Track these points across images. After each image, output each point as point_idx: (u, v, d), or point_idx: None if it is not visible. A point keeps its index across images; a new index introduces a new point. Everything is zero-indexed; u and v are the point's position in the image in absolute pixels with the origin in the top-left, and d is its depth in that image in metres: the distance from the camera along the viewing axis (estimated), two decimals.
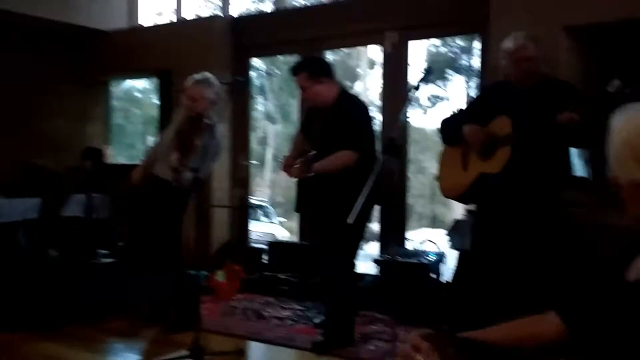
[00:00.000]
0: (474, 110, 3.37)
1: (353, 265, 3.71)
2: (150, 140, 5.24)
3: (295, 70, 3.72)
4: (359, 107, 3.73)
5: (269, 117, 14.88)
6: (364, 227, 3.66)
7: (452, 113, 3.51)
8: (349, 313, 3.73)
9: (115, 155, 7.05)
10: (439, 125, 3.57)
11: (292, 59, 11.42)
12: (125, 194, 4.93)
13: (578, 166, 3.76)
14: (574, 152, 3.65)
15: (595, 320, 1.26)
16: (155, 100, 9.28)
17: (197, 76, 3.93)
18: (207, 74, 3.98)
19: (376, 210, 4.28)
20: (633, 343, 1.10)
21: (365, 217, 3.45)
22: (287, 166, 3.76)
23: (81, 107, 6.67)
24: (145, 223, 4.09)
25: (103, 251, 4.96)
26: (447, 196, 3.49)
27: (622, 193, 1.18)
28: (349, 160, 3.48)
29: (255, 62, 11.55)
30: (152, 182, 4.05)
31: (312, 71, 3.66)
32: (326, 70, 3.70)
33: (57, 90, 6.38)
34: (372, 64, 14.25)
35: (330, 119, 3.63)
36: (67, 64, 6.43)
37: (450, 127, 3.36)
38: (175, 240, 3.96)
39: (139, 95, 15.32)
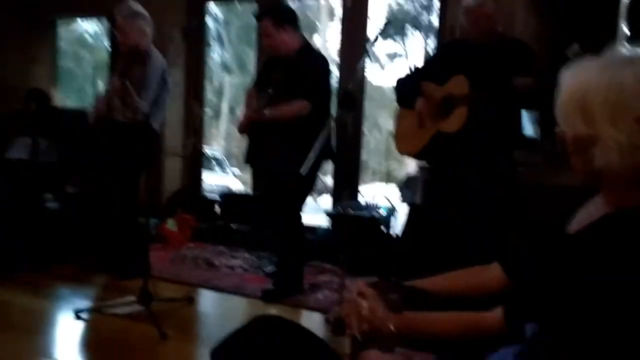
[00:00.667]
0: (430, 68, 3.37)
1: (301, 216, 3.74)
2: (101, 84, 5.06)
3: (260, 16, 3.65)
4: (321, 59, 3.69)
5: (226, 67, 14.60)
6: (314, 179, 3.67)
7: (407, 73, 3.48)
8: (298, 263, 3.79)
9: (65, 99, 6.80)
10: (395, 84, 3.55)
11: (250, 7, 11.14)
12: (76, 137, 4.80)
13: (528, 127, 3.84)
14: (524, 113, 3.73)
15: (535, 270, 1.30)
16: (107, 45, 8.96)
17: (124, 10, 3.83)
18: (132, 4, 3.86)
19: (330, 164, 4.30)
20: (571, 291, 1.14)
21: (315, 169, 3.45)
22: (243, 126, 3.72)
23: (26, 48, 6.36)
24: (103, 167, 3.97)
25: (50, 196, 4.84)
26: (403, 153, 3.52)
27: (567, 148, 1.21)
28: (302, 110, 3.46)
29: (212, 8, 11.24)
30: (108, 126, 3.94)
31: (277, 18, 3.59)
32: (291, 19, 3.64)
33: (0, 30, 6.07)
34: (331, 16, 14.06)
35: (291, 70, 3.58)
36: (10, 1, 6.10)
37: (406, 89, 3.36)
38: (132, 187, 3.86)
39: (90, 39, 14.76)
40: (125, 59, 3.76)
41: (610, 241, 1.13)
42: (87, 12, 6.44)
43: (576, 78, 1.17)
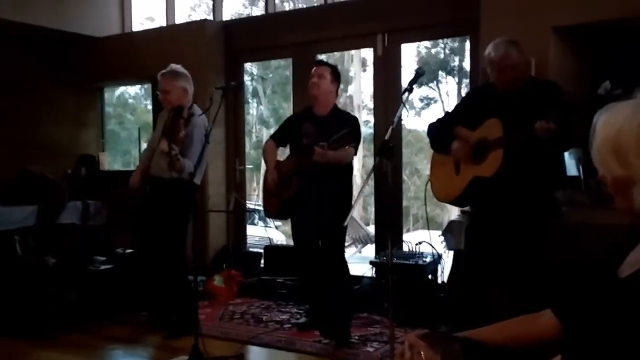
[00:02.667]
0: (461, 112, 3.37)
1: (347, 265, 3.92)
2: (144, 145, 5.24)
3: (324, 63, 4.03)
4: (355, 117, 4.04)
5: (263, 121, 14.90)
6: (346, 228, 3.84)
7: (438, 118, 3.51)
8: (349, 314, 3.87)
9: (110, 162, 7.05)
10: (427, 129, 3.58)
11: (284, 63, 11.40)
12: (123, 200, 4.95)
13: (570, 166, 3.80)
14: (566, 152, 3.69)
15: (589, 317, 1.28)
16: (149, 105, 9.28)
17: (164, 70, 4.03)
18: (174, 65, 4.06)
19: (372, 212, 4.36)
20: (627, 338, 1.12)
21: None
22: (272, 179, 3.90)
23: (75, 114, 6.68)
24: (150, 226, 4.09)
25: (100, 258, 4.98)
26: (441, 200, 3.51)
27: (608, 190, 1.21)
28: (351, 156, 3.75)
29: (248, 66, 11.57)
30: (151, 184, 4.08)
31: (335, 73, 3.96)
32: (339, 82, 4.01)
33: (51, 96, 6.40)
34: (364, 66, 14.28)
35: (326, 123, 3.77)
36: (60, 70, 6.44)
37: (439, 134, 3.37)
38: (179, 243, 3.94)
39: (132, 101, 15.29)
40: (169, 119, 3.90)
41: None
42: (131, 78, 6.72)
43: (608, 122, 1.18)
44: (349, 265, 3.99)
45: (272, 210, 4.07)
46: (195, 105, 4.00)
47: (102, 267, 4.83)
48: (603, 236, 3.22)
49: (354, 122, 3.87)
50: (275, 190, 3.89)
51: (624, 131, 1.14)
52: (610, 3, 3.66)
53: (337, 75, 3.99)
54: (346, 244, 4.06)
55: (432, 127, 3.42)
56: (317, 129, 3.81)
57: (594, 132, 1.21)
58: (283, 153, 4.28)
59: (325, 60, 4.39)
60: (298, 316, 4.43)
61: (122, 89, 13.56)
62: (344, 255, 3.94)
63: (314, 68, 3.97)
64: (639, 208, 1.16)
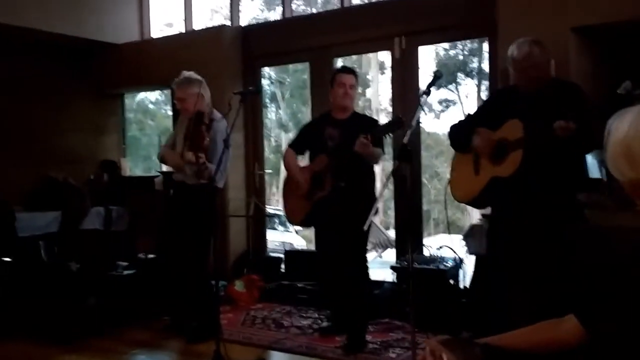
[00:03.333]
0: (483, 115, 3.36)
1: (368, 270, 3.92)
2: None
3: (351, 70, 4.03)
4: (375, 120, 4.09)
5: (282, 126, 14.95)
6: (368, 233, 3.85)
7: (459, 119, 3.50)
8: (367, 318, 3.90)
9: (131, 167, 7.13)
10: (449, 130, 3.57)
11: (302, 67, 11.42)
12: (145, 205, 5.00)
13: (593, 168, 3.75)
14: (588, 154, 3.65)
15: (613, 322, 1.27)
16: (169, 111, 9.36)
17: (177, 79, 4.05)
18: (186, 73, 4.07)
19: (392, 216, 4.36)
20: None
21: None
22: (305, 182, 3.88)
23: (96, 120, 6.77)
24: (174, 231, 4.11)
25: (122, 263, 5.03)
26: (460, 201, 3.49)
27: (625, 193, 1.21)
28: (381, 156, 3.81)
29: (266, 70, 11.62)
30: (175, 188, 4.10)
31: (357, 80, 4.02)
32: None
33: (72, 103, 6.49)
34: (382, 69, 14.27)
35: (349, 127, 3.78)
36: (81, 77, 6.54)
37: (459, 134, 3.35)
38: (203, 248, 3.94)
39: (152, 106, 15.45)
40: (190, 126, 3.89)
41: None
42: (151, 85, 6.79)
43: (619, 126, 1.20)
44: (369, 270, 3.98)
45: (298, 216, 4.04)
46: (215, 110, 4.02)
47: (125, 272, 4.87)
48: (627, 239, 3.18)
49: (374, 124, 3.87)
50: (307, 192, 3.88)
51: (631, 134, 1.16)
52: (629, 3, 3.62)
53: (358, 80, 4.05)
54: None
55: (453, 127, 3.43)
56: (340, 132, 3.84)
57: (607, 137, 1.21)
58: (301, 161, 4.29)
59: (343, 64, 4.39)
60: (319, 321, 4.43)
61: (142, 95, 13.72)
62: (365, 260, 3.93)
63: (341, 76, 3.94)
64: None
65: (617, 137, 1.19)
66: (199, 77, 4.05)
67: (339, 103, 3.92)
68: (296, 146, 4.12)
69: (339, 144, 3.79)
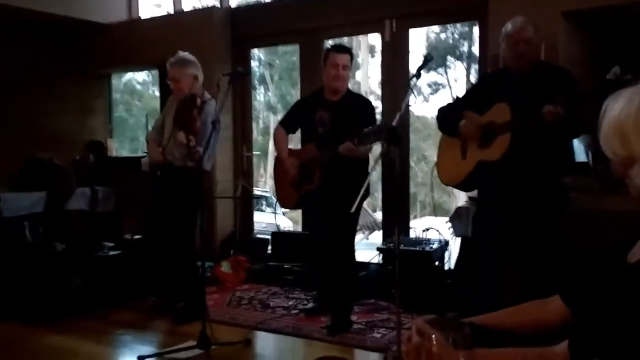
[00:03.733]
0: (471, 98, 3.37)
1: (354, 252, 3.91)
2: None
3: (345, 49, 3.85)
4: (367, 101, 3.97)
5: (270, 107, 14.89)
6: (359, 215, 3.81)
7: (448, 102, 3.50)
8: (352, 299, 3.92)
9: (118, 148, 7.07)
10: (437, 113, 3.56)
11: (291, 49, 11.35)
12: (132, 186, 4.96)
13: (579, 152, 3.78)
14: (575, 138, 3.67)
15: (597, 303, 1.28)
16: (156, 92, 9.28)
17: (173, 59, 4.01)
18: (181, 53, 4.04)
19: (380, 199, 4.35)
20: (634, 324, 1.12)
21: (360, 206, 3.51)
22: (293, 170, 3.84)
23: (83, 101, 6.70)
24: (161, 212, 4.09)
25: (108, 243, 5.00)
26: (447, 184, 3.51)
27: (618, 174, 1.23)
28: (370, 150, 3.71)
29: (255, 52, 11.54)
30: (162, 169, 4.08)
31: (352, 59, 3.85)
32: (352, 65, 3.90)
33: (58, 83, 6.40)
34: (372, 52, 14.22)
35: (342, 110, 3.74)
36: (67, 57, 6.44)
37: (448, 118, 3.36)
38: (189, 229, 3.94)
39: (139, 87, 15.31)
40: (181, 107, 3.87)
41: None
42: (138, 65, 6.72)
43: (612, 106, 1.23)
44: (356, 252, 3.99)
45: (289, 202, 4.03)
46: (206, 92, 3.98)
47: (110, 252, 4.85)
48: (612, 222, 3.21)
49: (368, 108, 3.82)
50: (295, 181, 3.83)
51: (624, 113, 1.19)
52: None
53: (352, 58, 3.88)
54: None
55: (442, 110, 3.43)
56: (330, 116, 3.77)
57: (602, 117, 1.25)
58: (292, 140, 4.25)
59: (336, 44, 4.20)
60: (305, 302, 4.45)
61: (129, 75, 13.58)
62: (353, 242, 3.93)
63: (334, 56, 3.76)
64: (638, 186, 1.21)
65: (611, 117, 1.22)
66: (194, 59, 4.02)
67: (331, 85, 3.80)
68: (287, 124, 4.02)
69: (328, 131, 3.73)
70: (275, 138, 4.02)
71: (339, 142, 3.51)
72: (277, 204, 4.25)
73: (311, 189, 3.75)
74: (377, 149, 3.64)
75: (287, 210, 11.85)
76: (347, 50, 3.85)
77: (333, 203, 3.68)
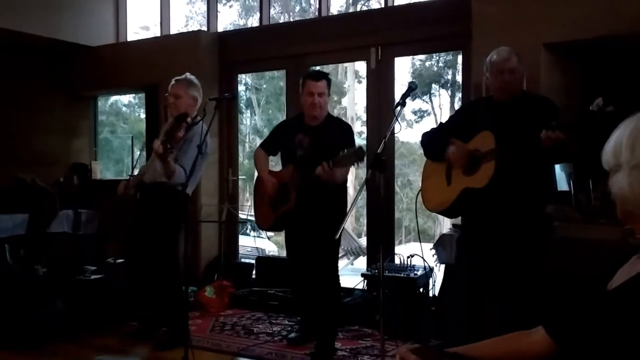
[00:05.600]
0: (455, 124, 3.41)
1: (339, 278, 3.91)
2: (137, 154, 5.15)
3: (321, 76, 3.86)
4: (348, 125, 3.97)
5: (257, 132, 14.91)
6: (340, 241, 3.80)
7: (431, 127, 3.53)
8: (336, 326, 3.93)
9: (102, 170, 7.03)
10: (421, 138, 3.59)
11: (278, 74, 11.40)
12: (115, 209, 4.92)
13: (561, 181, 3.83)
14: (557, 166, 3.72)
15: (581, 334, 1.29)
16: (142, 114, 9.26)
17: (179, 77, 4.09)
18: (189, 75, 4.11)
19: (365, 224, 4.35)
20: (619, 353, 1.14)
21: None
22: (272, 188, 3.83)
23: (68, 122, 6.66)
24: (141, 235, 4.06)
25: (90, 267, 4.94)
26: (431, 210, 3.52)
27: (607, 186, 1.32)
28: (347, 174, 3.70)
29: (242, 76, 11.59)
30: (142, 191, 4.06)
31: (329, 84, 3.85)
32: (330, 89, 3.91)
33: (43, 105, 6.38)
34: (358, 78, 14.35)
35: (321, 134, 3.76)
36: (53, 79, 6.44)
37: (432, 142, 3.39)
38: (171, 252, 3.89)
39: (125, 109, 15.26)
40: (171, 122, 3.85)
41: None
42: (125, 88, 6.72)
43: (620, 127, 1.32)
44: (341, 277, 3.99)
45: (266, 223, 4.01)
46: (198, 117, 3.99)
47: (92, 276, 4.79)
48: (594, 251, 3.25)
49: (347, 133, 3.83)
50: (272, 201, 3.84)
51: (622, 130, 1.31)
52: (599, 21, 3.72)
53: (330, 84, 3.89)
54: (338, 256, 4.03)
55: (425, 135, 3.45)
56: (310, 140, 3.80)
57: (616, 131, 1.34)
58: (274, 162, 4.26)
59: (316, 69, 4.25)
60: (289, 328, 4.42)
61: (115, 97, 13.54)
62: (337, 269, 3.93)
63: (309, 84, 3.80)
64: (614, 194, 1.31)
65: (615, 134, 1.32)
66: (199, 83, 4.11)
67: (309, 113, 3.83)
68: (267, 147, 4.04)
69: (307, 155, 3.75)
70: (255, 158, 4.04)
71: (317, 165, 3.52)
72: (255, 224, 4.20)
73: (287, 210, 3.74)
74: (362, 173, 3.67)
75: (272, 234, 11.83)
76: (323, 77, 3.85)
77: (309, 226, 3.69)
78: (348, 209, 3.62)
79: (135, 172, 4.43)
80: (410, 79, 12.09)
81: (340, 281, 3.99)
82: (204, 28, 6.39)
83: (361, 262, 8.35)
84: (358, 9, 12.37)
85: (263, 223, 4.06)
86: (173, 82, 4.08)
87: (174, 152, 3.67)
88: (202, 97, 4.10)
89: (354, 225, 11.85)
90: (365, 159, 3.40)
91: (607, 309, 1.25)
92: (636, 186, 1.24)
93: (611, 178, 1.32)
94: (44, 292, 4.42)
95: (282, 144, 3.97)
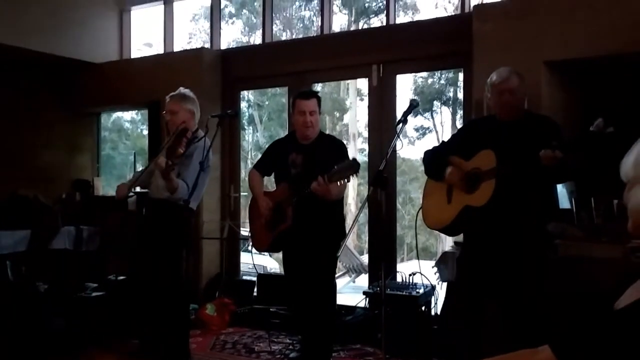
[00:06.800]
0: (457, 143, 3.41)
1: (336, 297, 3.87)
2: (140, 170, 5.16)
3: (310, 94, 3.86)
4: (340, 142, 3.95)
5: (259, 148, 14.95)
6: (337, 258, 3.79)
7: (434, 146, 3.54)
8: (331, 344, 3.89)
9: (105, 187, 7.05)
10: (422, 156, 3.59)
11: (281, 90, 11.46)
12: (118, 225, 4.93)
13: (562, 198, 3.82)
14: (559, 185, 3.72)
15: (588, 354, 1.28)
16: (145, 131, 9.30)
17: (173, 92, 4.07)
18: (182, 89, 4.10)
19: (366, 241, 4.34)
20: None
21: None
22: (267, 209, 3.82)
23: (71, 139, 6.70)
24: (146, 251, 4.02)
25: (92, 284, 4.94)
26: (432, 228, 3.51)
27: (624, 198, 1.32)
28: (344, 191, 3.60)
29: (245, 93, 11.65)
30: (148, 206, 4.05)
31: (320, 102, 3.84)
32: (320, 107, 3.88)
33: (46, 121, 6.42)
34: (360, 95, 14.41)
35: (314, 152, 3.74)
36: (57, 95, 6.48)
37: (433, 161, 3.39)
38: (176, 268, 3.83)
39: (127, 125, 15.33)
40: (172, 137, 3.85)
41: None
42: (128, 104, 6.76)
43: (637, 145, 1.33)
44: (343, 295, 3.97)
45: (262, 245, 3.96)
46: (200, 130, 4.00)
47: (94, 294, 4.79)
48: (596, 269, 3.24)
49: (340, 149, 3.79)
50: (268, 222, 3.80)
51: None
52: (600, 39, 3.74)
53: (320, 102, 3.87)
54: (340, 273, 4.00)
55: (427, 154, 3.46)
56: (303, 158, 3.78)
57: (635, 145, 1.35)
58: (268, 182, 4.24)
59: (314, 90, 4.19)
60: (291, 347, 4.39)
61: (117, 113, 13.61)
62: (333, 285, 3.88)
63: (300, 103, 3.78)
64: (630, 207, 1.30)
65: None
66: (194, 96, 4.09)
67: (301, 133, 3.81)
68: (261, 167, 4.00)
69: (301, 172, 3.73)
70: (250, 179, 4.00)
71: (311, 183, 3.49)
72: (252, 245, 4.15)
73: (284, 229, 3.71)
74: (364, 190, 3.66)
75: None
76: (313, 95, 3.86)
77: (306, 242, 3.66)
78: (348, 225, 3.61)
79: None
80: (412, 96, 12.13)
81: (340, 299, 3.95)
82: (207, 45, 6.44)
83: (363, 280, 8.32)
84: (360, 27, 12.47)
85: (260, 246, 4.00)
86: (168, 98, 4.07)
87: (175, 168, 3.67)
88: (199, 109, 4.06)
89: (356, 243, 11.83)
90: (359, 170, 3.38)
91: (615, 328, 1.24)
92: None
93: (629, 191, 1.32)
94: (44, 308, 4.41)
95: (276, 164, 3.94)
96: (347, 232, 3.77)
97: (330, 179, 3.37)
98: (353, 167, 3.28)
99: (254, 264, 5.43)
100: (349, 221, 3.84)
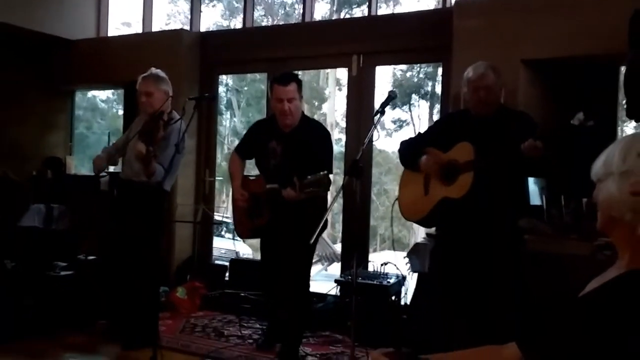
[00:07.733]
0: (433, 134, 3.44)
1: (309, 285, 3.85)
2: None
3: (289, 79, 3.63)
4: (324, 129, 3.88)
5: (236, 133, 14.87)
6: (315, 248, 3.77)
7: (410, 137, 3.56)
8: (302, 331, 3.88)
9: (77, 166, 6.94)
10: (399, 147, 3.60)
11: (260, 76, 11.41)
12: (89, 205, 4.87)
13: (534, 195, 3.89)
14: (530, 180, 3.78)
15: (551, 347, 1.31)
16: (120, 111, 9.18)
17: (145, 73, 4.00)
18: (154, 69, 4.03)
19: (340, 231, 4.35)
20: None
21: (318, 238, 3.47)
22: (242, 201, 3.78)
23: (44, 116, 6.57)
24: (118, 232, 3.99)
25: (61, 263, 4.88)
26: (408, 219, 3.54)
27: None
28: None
29: (223, 77, 11.57)
30: (120, 188, 4.00)
31: (300, 86, 3.67)
32: (302, 90, 3.75)
33: (19, 97, 6.27)
34: (339, 85, 14.41)
35: (295, 140, 3.66)
36: (32, 71, 6.34)
37: (409, 151, 3.41)
38: (150, 250, 3.79)
39: (102, 105, 15.11)
40: (149, 121, 3.83)
41: (622, 301, 1.17)
42: (104, 83, 6.66)
43: (608, 148, 1.39)
44: (315, 283, 3.98)
45: (244, 232, 3.96)
46: (174, 112, 3.96)
47: (62, 272, 4.73)
48: (563, 265, 3.31)
49: (323, 141, 3.70)
50: (246, 213, 3.77)
51: (616, 145, 1.37)
52: (577, 39, 3.80)
53: (301, 86, 3.68)
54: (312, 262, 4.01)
55: (403, 144, 3.47)
56: (283, 148, 3.70)
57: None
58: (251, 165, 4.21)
59: (293, 73, 3.90)
60: (260, 332, 4.40)
61: (92, 92, 13.40)
62: (309, 274, 3.87)
63: (278, 89, 3.59)
64: (600, 200, 1.36)
65: (618, 143, 1.38)
66: (166, 77, 4.02)
67: (280, 121, 3.67)
68: (242, 151, 3.94)
69: (278, 165, 3.68)
70: (230, 164, 3.95)
71: (289, 175, 3.42)
72: (237, 233, 4.14)
73: (261, 224, 3.70)
74: (339, 180, 3.65)
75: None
76: (292, 79, 3.63)
77: (286, 236, 3.64)
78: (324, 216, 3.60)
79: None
80: (390, 89, 12.18)
81: (312, 287, 3.97)
82: (186, 27, 6.37)
83: (335, 269, 8.37)
84: (342, 17, 12.46)
85: (241, 232, 3.99)
86: (140, 79, 3.98)
87: (157, 154, 3.63)
88: (172, 90, 4.01)
89: (330, 231, 11.88)
90: (329, 188, 3.28)
91: (575, 316, 1.27)
92: (624, 189, 1.28)
93: (598, 188, 1.37)
94: (12, 287, 4.35)
95: (256, 150, 3.88)
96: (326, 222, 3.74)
97: (301, 188, 3.25)
98: (322, 183, 3.15)
99: (234, 250, 5.41)
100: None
